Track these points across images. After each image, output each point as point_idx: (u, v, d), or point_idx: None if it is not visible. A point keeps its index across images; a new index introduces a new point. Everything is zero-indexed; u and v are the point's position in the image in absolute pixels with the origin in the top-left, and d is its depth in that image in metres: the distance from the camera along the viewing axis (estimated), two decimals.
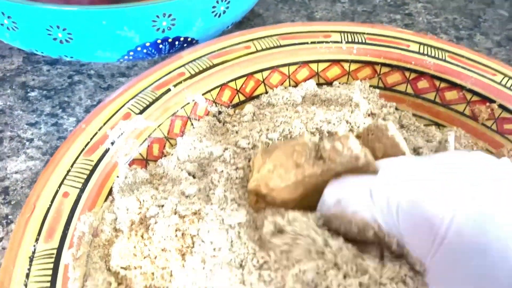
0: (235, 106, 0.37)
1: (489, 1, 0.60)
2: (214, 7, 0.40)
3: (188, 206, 0.26)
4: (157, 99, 0.33)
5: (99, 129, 0.31)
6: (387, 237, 0.22)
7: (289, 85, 0.39)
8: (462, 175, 0.20)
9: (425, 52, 0.38)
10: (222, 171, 0.29)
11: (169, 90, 0.34)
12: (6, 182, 0.36)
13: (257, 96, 0.38)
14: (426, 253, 0.20)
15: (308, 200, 0.25)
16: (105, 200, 0.28)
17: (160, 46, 0.40)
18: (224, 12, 0.41)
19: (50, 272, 0.24)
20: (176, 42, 0.41)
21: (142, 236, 0.25)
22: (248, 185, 0.27)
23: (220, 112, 0.36)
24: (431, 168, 0.21)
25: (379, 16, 0.57)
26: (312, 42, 0.39)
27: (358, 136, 0.28)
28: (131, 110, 0.32)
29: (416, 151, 0.34)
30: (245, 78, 0.37)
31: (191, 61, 0.36)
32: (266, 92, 0.38)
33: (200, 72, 0.36)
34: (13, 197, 0.35)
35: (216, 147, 0.32)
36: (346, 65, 0.39)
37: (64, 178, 0.28)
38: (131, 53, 0.40)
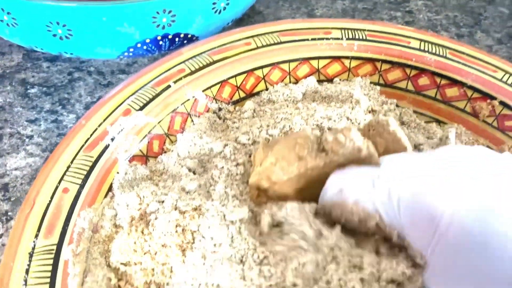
0: (235, 102, 0.37)
1: None
2: (214, 3, 0.40)
3: (189, 202, 0.26)
4: (157, 95, 0.33)
5: (99, 125, 0.31)
6: (388, 228, 0.22)
7: (290, 82, 0.39)
8: (463, 169, 0.20)
9: (426, 49, 0.38)
10: (223, 167, 0.29)
11: (169, 86, 0.34)
12: (5, 179, 0.36)
13: (258, 93, 0.38)
14: (427, 245, 0.20)
15: (310, 193, 0.25)
16: (105, 196, 0.28)
17: (160, 42, 0.40)
18: (224, 8, 0.41)
19: (50, 268, 0.24)
20: (176, 39, 0.41)
21: (142, 232, 0.25)
22: (250, 179, 0.27)
23: (220, 109, 0.36)
24: (432, 163, 0.21)
25: (380, 14, 0.57)
26: (312, 39, 0.39)
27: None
28: (131, 106, 0.32)
29: (417, 148, 0.34)
30: (245, 74, 0.37)
31: (191, 58, 0.36)
32: (267, 89, 0.38)
33: (200, 68, 0.35)
34: (12, 194, 0.35)
35: (216, 143, 0.31)
36: (346, 62, 0.39)
37: (64, 174, 0.28)
38: (131, 49, 0.40)
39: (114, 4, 0.35)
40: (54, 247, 0.25)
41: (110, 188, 0.29)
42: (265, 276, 0.22)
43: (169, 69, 0.35)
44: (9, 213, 0.34)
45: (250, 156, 0.30)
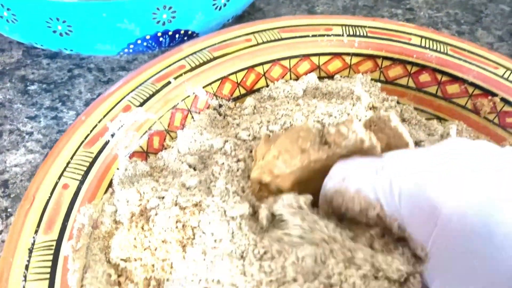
0: (235, 99, 0.37)
1: None
2: (214, 0, 0.39)
3: (189, 197, 0.26)
4: (157, 91, 0.33)
5: (99, 121, 0.31)
6: (389, 219, 0.21)
7: (290, 79, 0.38)
8: (464, 162, 0.20)
9: (427, 46, 0.38)
10: (223, 163, 0.29)
11: (169, 82, 0.34)
12: (5, 175, 0.36)
13: (258, 90, 0.38)
14: (427, 237, 0.20)
15: (312, 187, 0.25)
16: (105, 192, 0.28)
17: (161, 39, 0.40)
18: (225, 5, 0.41)
19: (49, 263, 0.24)
20: (177, 35, 0.41)
21: (142, 228, 0.25)
22: (251, 173, 0.27)
23: (220, 105, 0.36)
24: (434, 156, 0.21)
25: (380, 11, 0.57)
26: (313, 35, 0.39)
27: None
28: (131, 102, 0.32)
29: (418, 145, 0.34)
30: (245, 71, 0.37)
31: (191, 54, 0.36)
32: (267, 86, 0.38)
33: (201, 64, 0.35)
34: (12, 190, 0.35)
35: (217, 139, 0.31)
36: (347, 59, 0.39)
37: (64, 170, 0.28)
38: (131, 46, 0.40)
39: (114, 0, 0.35)
40: (54, 243, 0.25)
41: (110, 184, 0.29)
42: (266, 272, 0.22)
43: (169, 66, 0.35)
44: (8, 210, 0.34)
45: (251, 152, 0.30)
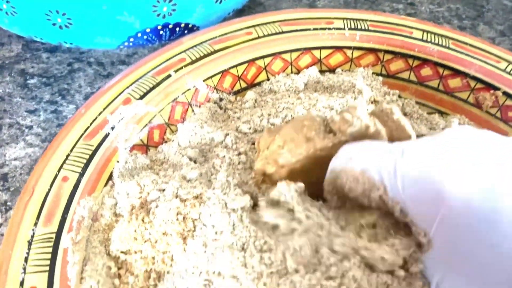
0: (236, 93, 0.37)
1: None
2: None
3: (190, 190, 0.26)
4: (157, 84, 0.33)
5: (99, 114, 0.30)
6: (391, 201, 0.21)
7: (291, 72, 0.38)
8: (465, 152, 0.20)
9: (429, 39, 0.38)
10: (224, 156, 0.29)
11: (169, 75, 0.34)
12: (5, 169, 0.36)
13: (259, 83, 0.38)
14: (431, 222, 0.20)
15: (317, 176, 0.25)
16: (105, 185, 0.28)
17: (161, 32, 0.40)
18: None
19: (49, 256, 0.24)
20: (177, 29, 0.40)
21: (142, 220, 0.25)
22: (255, 164, 0.26)
23: (221, 99, 0.36)
24: (436, 146, 0.21)
25: (382, 6, 0.56)
26: (314, 29, 0.38)
27: None
28: (131, 95, 0.32)
29: None
30: (246, 64, 0.36)
31: (192, 47, 0.36)
32: (268, 79, 0.38)
33: (201, 58, 0.35)
34: (12, 184, 0.35)
35: (217, 133, 0.31)
36: (349, 52, 0.38)
37: (64, 162, 0.28)
38: (131, 39, 0.40)
39: None
40: (54, 235, 0.25)
41: (110, 177, 0.29)
42: (266, 264, 0.22)
43: (169, 59, 0.35)
44: (8, 203, 0.34)
45: (252, 144, 0.30)
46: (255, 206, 0.26)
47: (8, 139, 0.38)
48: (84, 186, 0.27)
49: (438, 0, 0.58)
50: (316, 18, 0.39)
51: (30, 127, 0.39)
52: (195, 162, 0.30)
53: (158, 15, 0.38)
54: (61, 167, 0.27)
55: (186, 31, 0.41)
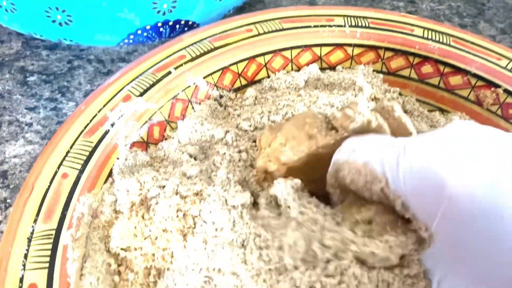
0: (236, 90, 0.37)
1: None
2: None
3: (190, 187, 0.26)
4: (157, 81, 0.33)
5: (99, 111, 0.30)
6: (392, 195, 0.21)
7: (292, 69, 0.38)
8: (469, 146, 0.20)
9: (429, 37, 0.38)
10: (225, 153, 0.29)
11: (169, 72, 0.33)
12: (4, 166, 0.36)
13: (259, 81, 0.37)
14: (432, 216, 0.20)
15: (319, 173, 0.25)
16: (105, 181, 0.28)
17: (161, 29, 0.40)
18: None
19: (48, 252, 0.24)
20: (177, 26, 0.40)
21: (142, 217, 0.25)
22: (257, 162, 0.26)
23: (221, 96, 0.36)
24: (437, 141, 0.21)
25: (382, 3, 0.56)
26: (315, 26, 0.38)
27: None
28: (131, 92, 0.32)
29: None
30: (246, 61, 0.36)
31: (192, 44, 0.35)
32: (268, 76, 0.38)
33: (201, 55, 0.35)
34: (11, 181, 0.35)
35: (218, 130, 0.31)
36: (349, 49, 0.38)
37: (63, 159, 0.28)
38: (131, 36, 0.40)
39: None
40: (53, 232, 0.25)
41: (110, 174, 0.28)
42: (265, 260, 0.22)
43: (169, 56, 0.34)
44: (7, 200, 0.34)
45: (253, 142, 0.30)
46: (255, 203, 0.26)
47: (7, 137, 0.38)
48: (84, 183, 0.27)
49: None
50: (317, 15, 0.39)
51: (30, 125, 0.39)
52: (195, 159, 0.30)
53: (158, 12, 0.37)
54: (60, 164, 0.27)
55: (186, 28, 0.41)
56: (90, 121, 0.30)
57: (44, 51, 0.46)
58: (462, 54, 0.37)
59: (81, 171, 0.27)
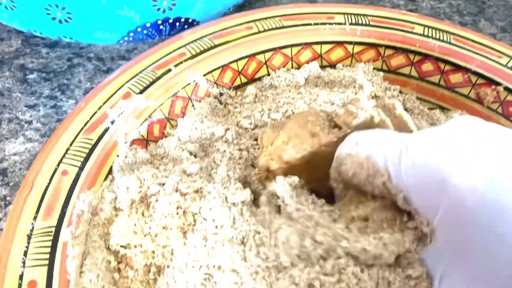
0: (236, 88, 0.37)
1: None
2: None
3: (190, 184, 0.26)
4: (157, 79, 0.33)
5: (99, 108, 0.30)
6: (394, 189, 0.21)
7: (292, 67, 0.38)
8: (470, 142, 0.20)
9: (430, 35, 0.38)
10: (225, 151, 0.29)
11: (169, 70, 0.33)
12: (4, 164, 0.36)
13: (259, 78, 0.37)
14: (434, 211, 0.20)
15: (322, 171, 0.25)
16: (105, 179, 0.28)
17: (161, 27, 0.40)
18: None
19: (48, 250, 0.24)
20: (177, 23, 0.40)
21: (142, 214, 0.25)
22: (260, 160, 0.26)
23: (221, 94, 0.36)
24: (437, 137, 0.21)
25: (382, 1, 0.56)
26: (315, 24, 0.38)
27: None
28: (131, 89, 0.32)
29: None
30: (247, 59, 0.36)
31: (192, 42, 0.35)
32: (268, 74, 0.37)
33: (201, 52, 0.35)
34: (11, 179, 0.35)
35: (218, 127, 0.31)
36: (349, 47, 0.38)
37: (63, 156, 0.27)
38: (131, 34, 0.40)
39: None
40: (53, 229, 0.25)
41: (110, 171, 0.28)
42: (262, 258, 0.22)
43: (169, 53, 0.34)
44: (7, 198, 0.33)
45: (255, 140, 0.30)
46: (256, 200, 0.26)
47: (7, 134, 0.38)
48: (84, 180, 0.27)
49: None
50: (317, 13, 0.39)
51: (30, 122, 0.39)
52: (195, 156, 0.30)
53: (158, 9, 0.37)
54: (60, 161, 0.27)
55: (186, 26, 0.41)
56: (90, 118, 0.30)
57: (44, 49, 0.46)
58: (462, 52, 0.37)
59: (81, 169, 0.27)
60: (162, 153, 0.31)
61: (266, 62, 0.37)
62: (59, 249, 0.24)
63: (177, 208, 0.25)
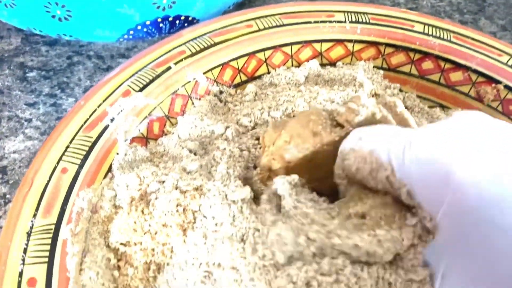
0: (236, 86, 0.37)
1: None
2: None
3: (190, 181, 0.26)
4: (157, 77, 0.33)
5: (99, 106, 0.30)
6: (398, 183, 0.21)
7: (292, 65, 0.38)
8: (474, 137, 0.20)
9: (430, 33, 0.38)
10: (225, 148, 0.29)
11: (169, 68, 0.33)
12: (4, 162, 0.36)
13: (259, 76, 0.37)
14: (438, 206, 0.20)
15: (325, 171, 0.25)
16: (105, 176, 0.28)
17: (161, 25, 0.40)
18: None
19: (48, 247, 0.24)
20: (177, 21, 0.40)
21: (142, 211, 0.25)
22: (261, 160, 0.26)
23: (221, 92, 0.36)
24: (438, 133, 0.21)
25: (382, 0, 0.56)
26: (315, 22, 0.38)
27: None
28: (130, 87, 0.32)
29: None
30: (246, 57, 0.36)
31: (192, 39, 0.35)
32: (268, 72, 0.37)
33: (201, 50, 0.35)
34: (11, 177, 0.35)
35: (218, 125, 0.31)
36: (349, 45, 0.38)
37: (63, 154, 0.27)
38: (131, 32, 0.40)
39: None
40: (53, 227, 0.25)
41: (109, 169, 0.28)
42: (259, 256, 0.22)
43: (169, 51, 0.34)
44: (7, 196, 0.33)
45: (256, 139, 0.30)
46: (256, 199, 0.26)
47: (7, 132, 0.38)
48: (84, 178, 0.27)
49: None
50: (317, 11, 0.39)
51: (29, 120, 0.39)
52: (195, 154, 0.30)
53: (158, 7, 0.37)
54: (60, 159, 0.27)
55: (186, 24, 0.41)
56: (90, 116, 0.30)
57: (43, 47, 0.46)
58: (462, 50, 0.37)
59: (81, 166, 0.27)
60: (162, 151, 0.31)
61: (266, 60, 0.37)
62: (58, 247, 0.24)
63: (177, 205, 0.25)
